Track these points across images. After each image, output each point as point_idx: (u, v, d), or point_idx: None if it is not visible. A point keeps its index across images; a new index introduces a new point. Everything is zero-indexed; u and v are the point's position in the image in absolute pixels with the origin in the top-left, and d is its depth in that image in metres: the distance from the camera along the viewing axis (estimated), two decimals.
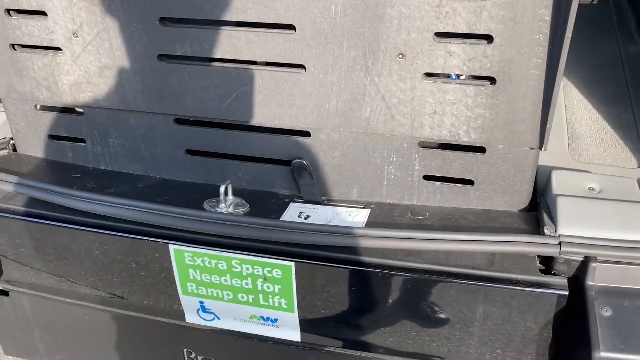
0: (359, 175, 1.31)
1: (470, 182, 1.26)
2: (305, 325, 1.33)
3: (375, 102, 1.20)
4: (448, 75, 1.16)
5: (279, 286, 1.28)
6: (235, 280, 1.30)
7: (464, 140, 1.20)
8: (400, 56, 1.14)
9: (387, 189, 1.31)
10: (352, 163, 1.30)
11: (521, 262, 1.16)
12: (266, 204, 1.34)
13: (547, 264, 1.16)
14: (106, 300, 1.46)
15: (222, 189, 1.28)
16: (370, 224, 1.23)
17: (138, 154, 1.44)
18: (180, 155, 1.41)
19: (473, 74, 1.13)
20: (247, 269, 1.27)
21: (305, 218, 1.26)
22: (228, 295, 1.33)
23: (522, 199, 1.26)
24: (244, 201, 1.33)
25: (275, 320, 1.34)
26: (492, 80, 1.13)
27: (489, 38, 1.09)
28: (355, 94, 1.21)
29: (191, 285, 1.34)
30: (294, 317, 1.33)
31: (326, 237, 1.17)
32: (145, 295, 1.41)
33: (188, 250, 1.28)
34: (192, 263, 1.31)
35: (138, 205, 1.27)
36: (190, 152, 1.41)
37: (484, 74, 1.13)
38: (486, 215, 1.26)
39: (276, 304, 1.31)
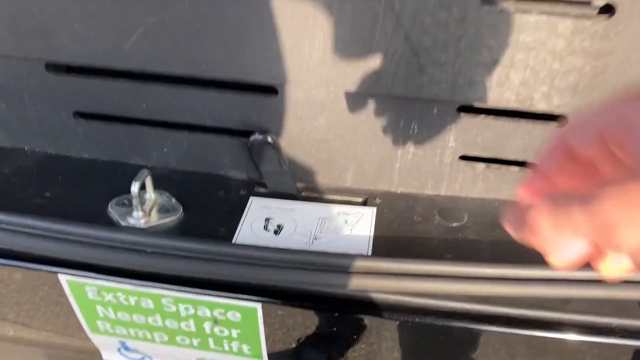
0: (357, 154, 0.83)
1: None
2: None
3: (393, 43, 0.69)
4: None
5: (238, 331, 0.83)
6: (171, 322, 0.84)
7: (540, 107, 0.72)
8: None
9: (401, 174, 0.84)
10: (345, 136, 0.81)
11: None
12: (210, 202, 0.85)
13: None
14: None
15: (134, 188, 0.77)
16: (380, 241, 0.77)
17: None
18: (67, 120, 0.88)
19: None
20: (187, 309, 0.81)
21: (275, 232, 0.79)
22: (161, 337, 0.88)
23: None
24: (173, 200, 0.83)
25: None
26: (608, 10, 0.63)
27: None
28: (359, 27, 0.68)
29: (103, 324, 0.88)
30: None
31: (315, 277, 0.71)
32: (43, 326, 0.95)
33: (90, 283, 0.80)
34: (99, 299, 0.83)
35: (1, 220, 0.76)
36: (82, 115, 0.88)
37: (596, 1, 0.63)
38: None
39: (235, 349, 0.87)
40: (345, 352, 0.83)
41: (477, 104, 0.74)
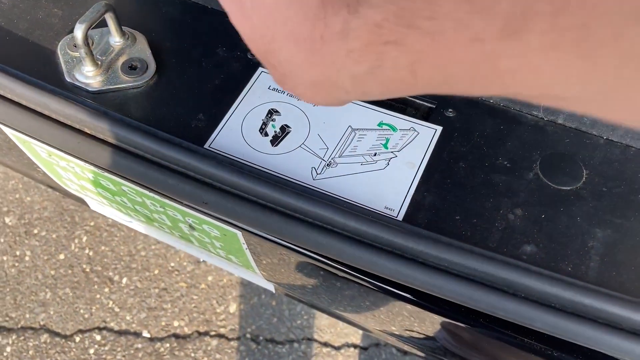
0: None
1: None
2: (277, 283, 0.72)
3: None
4: None
5: (221, 244, 0.62)
6: (141, 208, 0.64)
7: None
8: None
9: None
10: None
11: None
12: (199, 63, 0.57)
13: None
14: None
15: (79, 32, 0.50)
16: (427, 193, 0.48)
17: None
18: None
19: None
20: (154, 205, 0.60)
21: (274, 138, 0.51)
22: (137, 216, 0.70)
23: None
24: (148, 53, 0.56)
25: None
26: None
27: None
28: None
29: (71, 183, 0.70)
30: (255, 275, 0.70)
31: (305, 234, 0.46)
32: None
33: (36, 143, 0.60)
34: (53, 162, 0.64)
35: None
36: None
37: None
38: None
39: (222, 255, 0.68)
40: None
41: None
